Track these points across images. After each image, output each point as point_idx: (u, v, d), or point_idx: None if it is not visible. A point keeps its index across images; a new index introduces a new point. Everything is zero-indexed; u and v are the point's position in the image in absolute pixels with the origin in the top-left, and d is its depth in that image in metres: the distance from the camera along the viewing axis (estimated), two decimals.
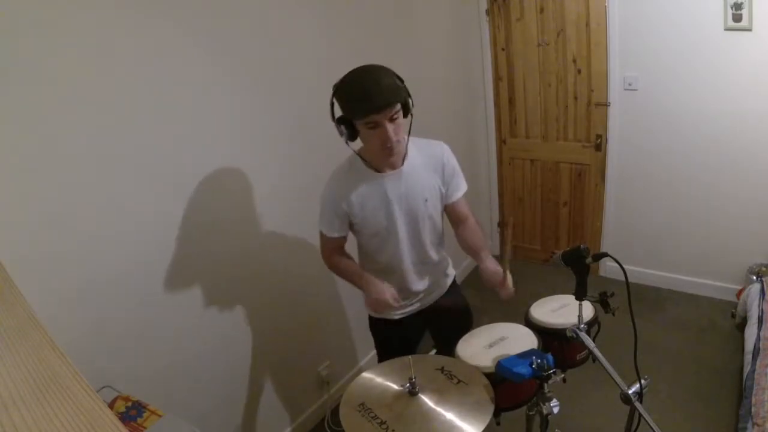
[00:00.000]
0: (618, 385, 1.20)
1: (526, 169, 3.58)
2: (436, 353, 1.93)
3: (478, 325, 1.64)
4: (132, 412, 1.42)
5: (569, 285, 1.36)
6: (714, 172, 2.82)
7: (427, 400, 1.23)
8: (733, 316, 2.78)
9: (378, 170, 1.56)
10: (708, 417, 2.20)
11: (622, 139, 3.06)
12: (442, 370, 1.34)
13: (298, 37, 2.11)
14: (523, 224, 3.76)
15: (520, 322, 1.57)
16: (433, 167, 1.62)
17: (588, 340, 1.31)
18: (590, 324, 1.44)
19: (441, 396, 1.24)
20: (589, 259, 1.30)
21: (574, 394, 2.30)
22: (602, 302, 1.34)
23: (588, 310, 1.47)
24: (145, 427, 1.37)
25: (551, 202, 3.54)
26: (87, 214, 1.51)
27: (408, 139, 1.54)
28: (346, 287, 2.24)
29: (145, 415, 1.41)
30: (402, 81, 1.44)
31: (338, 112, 1.47)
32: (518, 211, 3.74)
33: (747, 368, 2.10)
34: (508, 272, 1.58)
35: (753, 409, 1.82)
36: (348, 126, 1.44)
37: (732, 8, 2.45)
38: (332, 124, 1.49)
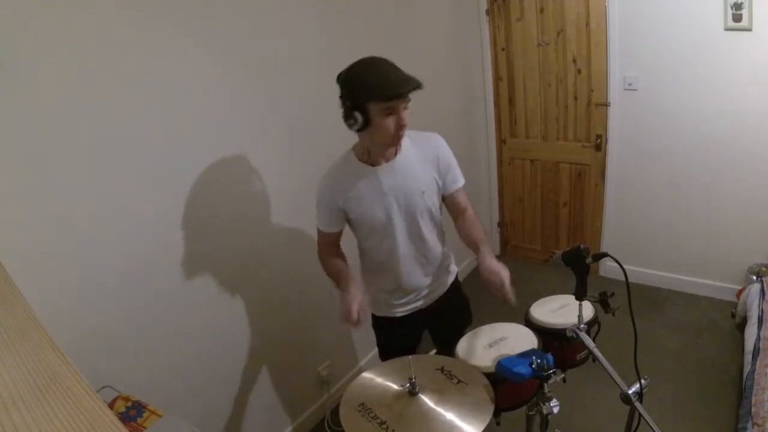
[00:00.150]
0: (618, 385, 1.20)
1: (526, 169, 3.58)
2: (436, 353, 1.92)
3: (478, 325, 1.64)
4: (132, 412, 1.42)
5: (569, 285, 1.36)
6: (714, 172, 2.82)
7: (427, 400, 1.23)
8: (733, 316, 2.78)
9: (373, 164, 1.56)
10: (708, 417, 2.20)
11: (622, 139, 3.06)
12: (442, 370, 1.34)
13: (298, 38, 2.11)
14: (523, 224, 3.77)
15: (520, 322, 1.57)
16: (428, 159, 1.62)
17: (588, 340, 1.31)
18: (590, 324, 1.44)
19: (441, 396, 1.24)
20: (589, 259, 1.30)
21: (574, 394, 2.30)
22: (602, 302, 1.34)
23: (588, 310, 1.47)
24: (145, 427, 1.37)
25: (551, 202, 3.54)
26: (87, 214, 1.51)
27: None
28: None
29: (145, 415, 1.41)
30: None
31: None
32: (518, 211, 3.75)
33: (747, 368, 2.10)
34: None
35: (753, 409, 1.82)
36: (363, 114, 1.43)
37: (732, 8, 2.45)
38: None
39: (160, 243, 1.72)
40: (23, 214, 1.37)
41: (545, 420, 1.41)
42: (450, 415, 1.17)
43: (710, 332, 2.77)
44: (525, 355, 1.28)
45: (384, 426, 1.16)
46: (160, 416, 1.41)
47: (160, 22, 1.62)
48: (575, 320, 1.34)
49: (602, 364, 1.25)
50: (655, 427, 1.10)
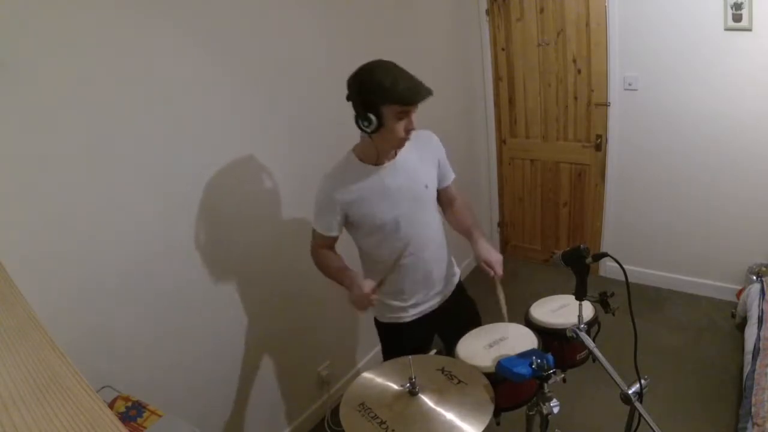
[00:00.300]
0: (618, 385, 1.20)
1: (526, 169, 3.58)
2: (436, 353, 1.92)
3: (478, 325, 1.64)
4: (132, 412, 1.42)
5: (569, 285, 1.36)
6: (714, 172, 2.82)
7: (427, 400, 1.23)
8: (733, 316, 2.78)
9: (377, 163, 1.57)
10: (708, 417, 2.20)
11: (622, 139, 3.06)
12: (442, 370, 1.33)
13: (298, 38, 2.11)
14: (523, 224, 3.77)
15: (520, 322, 1.57)
16: (426, 155, 1.68)
17: (588, 340, 1.31)
18: (590, 324, 1.44)
19: (441, 396, 1.23)
20: (589, 259, 1.30)
21: (574, 394, 2.30)
22: (602, 302, 1.34)
23: (588, 310, 1.47)
24: (145, 427, 1.37)
25: (551, 202, 3.54)
26: (87, 214, 1.51)
27: None
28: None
29: (145, 415, 1.41)
30: None
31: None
32: (518, 211, 3.75)
33: (747, 368, 2.10)
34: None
35: (753, 409, 1.82)
36: (377, 116, 1.44)
37: (732, 8, 2.45)
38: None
39: (160, 243, 1.72)
40: (23, 214, 1.37)
41: (545, 420, 1.41)
42: (450, 415, 1.17)
43: (710, 332, 2.77)
44: (525, 355, 1.28)
45: (384, 426, 1.16)
46: (160, 416, 1.41)
47: (160, 22, 1.62)
48: (575, 320, 1.34)
49: (602, 364, 1.25)
50: (655, 427, 1.10)
